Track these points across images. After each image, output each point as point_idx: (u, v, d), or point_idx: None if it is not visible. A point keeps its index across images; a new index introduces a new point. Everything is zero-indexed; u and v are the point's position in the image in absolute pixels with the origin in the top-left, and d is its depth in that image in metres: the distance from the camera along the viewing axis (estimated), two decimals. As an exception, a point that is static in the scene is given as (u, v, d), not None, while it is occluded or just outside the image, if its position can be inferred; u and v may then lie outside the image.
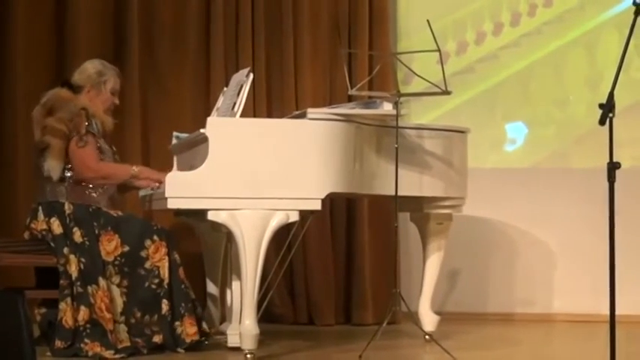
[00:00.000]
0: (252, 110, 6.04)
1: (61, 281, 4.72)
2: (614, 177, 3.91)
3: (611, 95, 3.92)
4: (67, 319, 4.66)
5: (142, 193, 5.32)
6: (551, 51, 6.70)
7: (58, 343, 4.63)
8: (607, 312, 3.92)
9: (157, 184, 4.84)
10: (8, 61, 6.02)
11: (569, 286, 6.52)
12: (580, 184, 6.43)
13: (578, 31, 6.67)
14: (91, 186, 4.91)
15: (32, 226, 4.88)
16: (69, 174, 4.88)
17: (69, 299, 4.69)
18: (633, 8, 4.01)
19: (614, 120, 3.90)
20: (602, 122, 3.91)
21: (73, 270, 4.72)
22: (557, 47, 6.69)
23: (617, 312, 3.91)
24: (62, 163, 4.86)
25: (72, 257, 4.73)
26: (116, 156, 5.11)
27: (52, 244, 4.78)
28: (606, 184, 3.92)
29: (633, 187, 6.08)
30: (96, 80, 5.03)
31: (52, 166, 4.86)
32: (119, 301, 4.75)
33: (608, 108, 3.90)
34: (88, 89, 5.02)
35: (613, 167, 3.92)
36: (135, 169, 4.96)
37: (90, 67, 5.08)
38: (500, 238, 6.62)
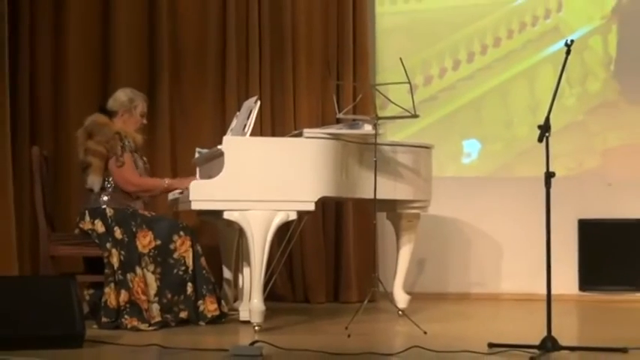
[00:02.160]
0: (259, 130, 6.04)
1: (106, 270, 4.71)
2: (550, 183, 3.94)
3: (547, 118, 3.95)
4: (111, 301, 4.66)
5: (170, 197, 5.31)
6: (499, 82, 6.70)
7: (104, 319, 4.64)
8: (544, 291, 3.95)
9: (183, 190, 4.84)
10: (64, 97, 6.03)
11: (513, 271, 6.51)
12: (522, 189, 6.42)
13: (521, 67, 6.68)
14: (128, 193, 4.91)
15: (80, 225, 4.87)
16: (109, 186, 4.88)
17: (112, 285, 4.68)
18: (565, 49, 4.05)
19: (550, 138, 3.93)
20: (540, 140, 3.94)
21: (115, 261, 4.71)
22: (504, 79, 6.70)
23: (552, 292, 3.94)
24: (102, 177, 4.85)
25: (114, 251, 4.73)
26: (146, 165, 5.09)
27: (97, 241, 4.78)
28: (544, 189, 3.95)
29: (565, 191, 6.07)
30: (128, 106, 5.00)
31: (93, 181, 4.85)
32: (154, 285, 4.73)
33: (545, 128, 3.93)
34: (121, 113, 4.99)
35: (549, 176, 3.95)
36: (166, 182, 4.97)
37: (122, 95, 5.03)
38: (459, 232, 6.61)
